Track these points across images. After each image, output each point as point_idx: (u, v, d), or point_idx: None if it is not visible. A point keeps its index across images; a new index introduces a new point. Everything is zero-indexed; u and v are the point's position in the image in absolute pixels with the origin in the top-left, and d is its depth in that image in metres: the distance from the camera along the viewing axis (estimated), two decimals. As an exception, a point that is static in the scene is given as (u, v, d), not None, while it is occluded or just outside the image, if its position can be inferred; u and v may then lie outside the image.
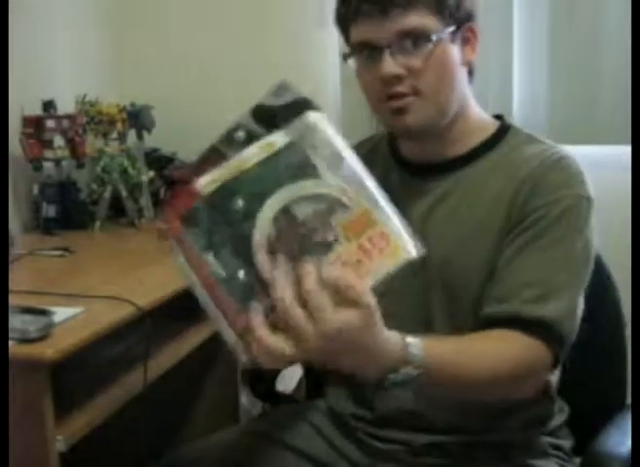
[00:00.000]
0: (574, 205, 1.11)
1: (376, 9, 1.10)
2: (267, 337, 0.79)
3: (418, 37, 1.11)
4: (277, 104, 0.87)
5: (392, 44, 1.11)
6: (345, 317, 0.78)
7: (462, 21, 1.15)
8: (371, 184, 0.85)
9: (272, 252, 0.83)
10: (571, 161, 1.16)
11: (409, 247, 0.83)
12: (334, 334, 0.78)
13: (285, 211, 0.83)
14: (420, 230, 1.17)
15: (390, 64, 1.11)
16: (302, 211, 0.83)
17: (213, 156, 0.90)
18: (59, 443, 1.11)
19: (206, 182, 0.85)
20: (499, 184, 1.16)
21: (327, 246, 0.83)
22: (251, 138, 0.88)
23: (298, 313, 0.78)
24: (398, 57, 1.11)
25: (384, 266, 0.83)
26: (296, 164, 0.84)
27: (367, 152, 1.29)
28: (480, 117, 1.23)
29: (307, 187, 0.83)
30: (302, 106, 0.87)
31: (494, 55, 2.14)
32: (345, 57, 1.18)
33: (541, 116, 2.15)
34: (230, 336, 0.85)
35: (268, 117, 0.87)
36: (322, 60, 2.27)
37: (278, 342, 0.79)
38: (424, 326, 1.14)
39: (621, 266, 1.30)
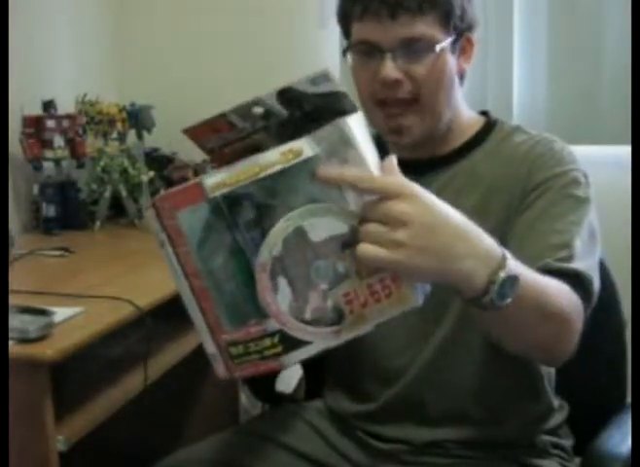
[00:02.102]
0: (575, 178, 1.14)
1: (385, 10, 1.09)
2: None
3: (423, 46, 1.11)
4: (311, 91, 0.82)
5: (395, 49, 1.11)
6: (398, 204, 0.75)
7: (463, 31, 1.16)
8: None
9: (274, 273, 0.79)
10: (561, 144, 1.19)
11: (418, 295, 0.78)
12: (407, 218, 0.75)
13: (298, 230, 0.77)
14: None
15: (391, 69, 1.11)
16: (318, 234, 0.77)
17: (220, 122, 0.85)
18: (59, 443, 1.11)
19: (215, 183, 0.78)
20: (494, 172, 1.18)
21: (335, 277, 0.78)
22: (269, 116, 0.84)
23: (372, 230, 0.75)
24: (399, 62, 1.11)
25: (388, 310, 0.78)
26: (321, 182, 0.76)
27: None
28: (468, 115, 1.25)
29: (329, 211, 0.76)
30: (337, 99, 0.82)
31: (494, 55, 2.15)
32: (345, 52, 1.17)
33: (541, 116, 2.16)
34: (210, 347, 0.83)
35: (296, 100, 0.83)
36: (322, 61, 2.26)
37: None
38: (429, 317, 1.14)
39: (621, 265, 1.30)
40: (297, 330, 0.80)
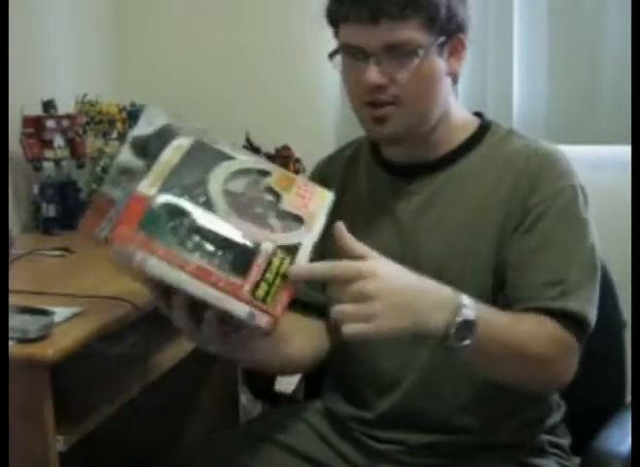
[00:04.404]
0: (572, 197, 1.14)
1: (367, 14, 1.09)
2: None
3: (406, 50, 1.11)
4: (149, 132, 0.97)
5: (378, 53, 1.11)
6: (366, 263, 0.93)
7: (452, 33, 1.14)
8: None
9: (239, 214, 0.92)
10: (559, 153, 1.18)
11: (328, 191, 1.02)
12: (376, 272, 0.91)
13: (224, 190, 0.92)
14: (410, 232, 1.17)
15: (374, 74, 1.11)
16: (237, 186, 0.94)
17: (100, 202, 0.97)
18: (59, 443, 1.11)
19: (146, 186, 0.89)
20: (489, 181, 1.17)
21: (274, 203, 0.95)
22: (132, 175, 0.95)
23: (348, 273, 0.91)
24: (383, 67, 1.11)
25: (319, 209, 0.98)
26: (211, 153, 0.95)
27: (347, 159, 1.31)
28: (460, 116, 1.24)
29: (231, 166, 0.95)
30: (169, 132, 0.96)
31: (494, 55, 2.15)
32: (331, 56, 1.18)
33: (541, 116, 2.16)
34: (241, 309, 0.87)
35: (143, 147, 0.96)
36: (320, 61, 2.26)
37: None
38: None
39: (620, 265, 1.30)
40: (283, 238, 0.92)
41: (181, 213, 0.89)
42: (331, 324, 1.25)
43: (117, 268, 0.93)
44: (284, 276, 0.90)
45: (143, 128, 0.97)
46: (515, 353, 1.03)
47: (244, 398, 2.05)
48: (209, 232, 0.89)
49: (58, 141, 1.96)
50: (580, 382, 1.11)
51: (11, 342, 1.05)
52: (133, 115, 2.16)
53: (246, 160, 0.97)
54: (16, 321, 1.08)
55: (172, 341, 1.41)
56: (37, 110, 1.96)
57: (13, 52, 1.64)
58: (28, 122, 1.93)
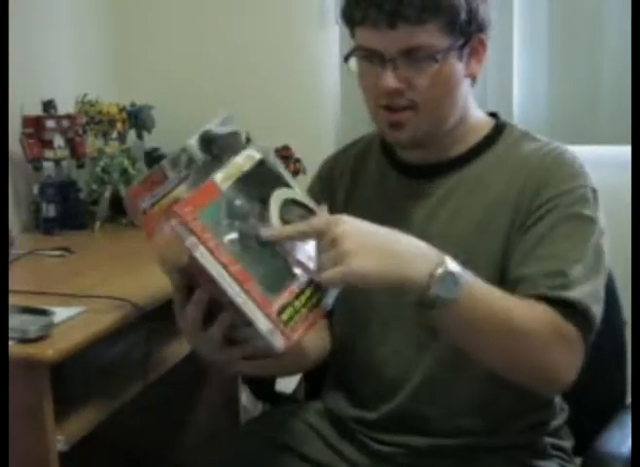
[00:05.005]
0: (580, 197, 1.12)
1: (384, 19, 1.06)
2: None
3: (423, 55, 1.08)
4: (220, 132, 1.00)
5: (395, 58, 1.08)
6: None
7: (472, 33, 1.12)
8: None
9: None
10: (571, 155, 1.17)
11: None
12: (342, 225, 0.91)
13: (280, 212, 0.96)
14: (422, 232, 1.16)
15: (390, 79, 1.09)
16: (289, 214, 0.97)
17: (157, 174, 1.00)
18: (59, 443, 1.11)
19: (222, 178, 0.93)
20: (501, 182, 1.16)
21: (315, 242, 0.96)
22: (190, 162, 0.99)
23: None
24: (400, 71, 1.09)
25: None
26: (273, 174, 0.99)
27: (357, 155, 1.29)
28: (477, 116, 1.23)
29: (287, 193, 0.98)
30: (234, 139, 1.01)
31: (494, 55, 2.14)
32: (346, 58, 1.15)
33: (541, 116, 2.16)
34: (265, 324, 0.89)
35: (209, 143, 1.00)
36: (322, 60, 2.26)
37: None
38: (428, 329, 1.13)
39: (620, 265, 1.30)
40: (318, 276, 0.93)
41: (238, 216, 0.92)
42: (333, 322, 1.25)
43: (158, 246, 0.97)
44: (310, 309, 0.93)
45: (215, 127, 1.01)
46: (502, 325, 0.99)
47: (244, 398, 2.05)
48: (257, 242, 0.92)
49: (58, 141, 1.96)
50: (580, 383, 1.10)
51: (11, 342, 1.05)
52: (133, 115, 2.16)
53: (300, 193, 1.01)
54: (16, 321, 1.08)
55: (172, 342, 1.41)
56: (37, 110, 1.96)
57: (13, 51, 1.64)
58: (28, 122, 1.93)
